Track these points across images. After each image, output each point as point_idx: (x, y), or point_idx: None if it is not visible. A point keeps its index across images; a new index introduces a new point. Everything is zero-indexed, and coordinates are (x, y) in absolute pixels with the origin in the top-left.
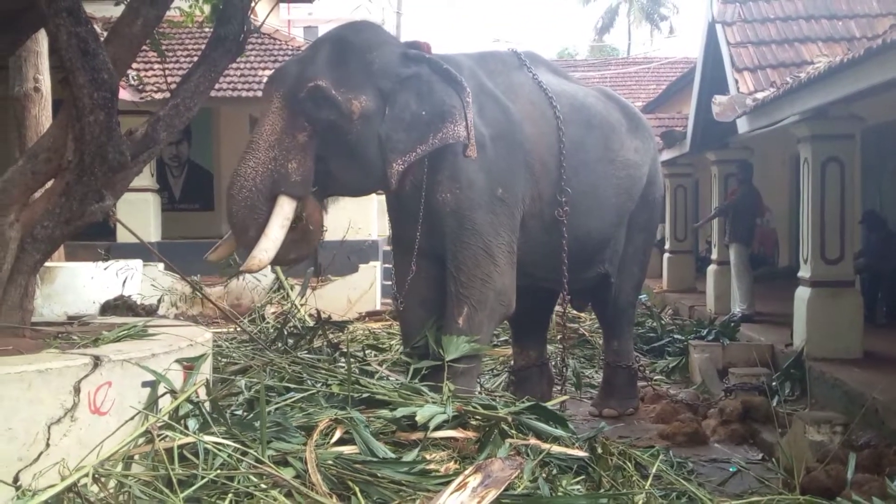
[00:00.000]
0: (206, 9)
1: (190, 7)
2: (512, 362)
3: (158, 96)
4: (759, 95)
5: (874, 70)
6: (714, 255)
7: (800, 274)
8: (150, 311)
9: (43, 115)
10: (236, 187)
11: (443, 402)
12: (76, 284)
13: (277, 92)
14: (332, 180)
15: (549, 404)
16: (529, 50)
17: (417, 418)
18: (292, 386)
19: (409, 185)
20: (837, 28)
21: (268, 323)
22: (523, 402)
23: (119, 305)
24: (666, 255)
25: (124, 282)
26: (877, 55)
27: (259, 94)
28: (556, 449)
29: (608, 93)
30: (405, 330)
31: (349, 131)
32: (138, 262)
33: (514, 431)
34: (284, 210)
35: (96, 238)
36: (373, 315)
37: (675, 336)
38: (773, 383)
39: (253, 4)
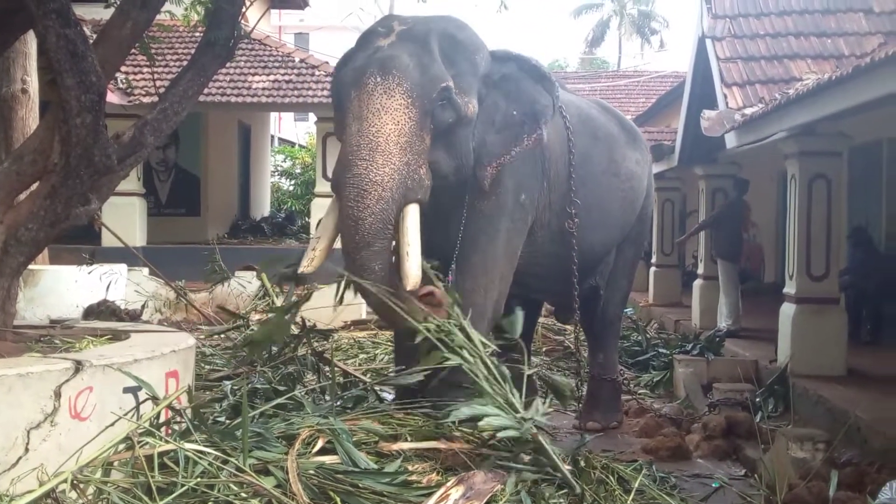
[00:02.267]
0: (201, 12)
1: (185, 10)
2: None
3: (147, 100)
4: (748, 111)
5: (862, 88)
6: (700, 270)
7: (785, 290)
8: (134, 316)
9: (30, 117)
10: (373, 196)
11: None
12: (59, 288)
13: (400, 87)
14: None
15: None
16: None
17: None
18: (280, 389)
19: (455, 194)
20: (826, 45)
21: (252, 330)
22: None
23: (103, 310)
24: (652, 269)
25: (108, 286)
26: (865, 73)
27: (250, 99)
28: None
29: (605, 105)
30: (400, 341)
31: (455, 133)
32: (123, 267)
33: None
34: (417, 220)
35: (81, 241)
36: (358, 324)
37: (660, 350)
38: (757, 399)
39: (244, 10)
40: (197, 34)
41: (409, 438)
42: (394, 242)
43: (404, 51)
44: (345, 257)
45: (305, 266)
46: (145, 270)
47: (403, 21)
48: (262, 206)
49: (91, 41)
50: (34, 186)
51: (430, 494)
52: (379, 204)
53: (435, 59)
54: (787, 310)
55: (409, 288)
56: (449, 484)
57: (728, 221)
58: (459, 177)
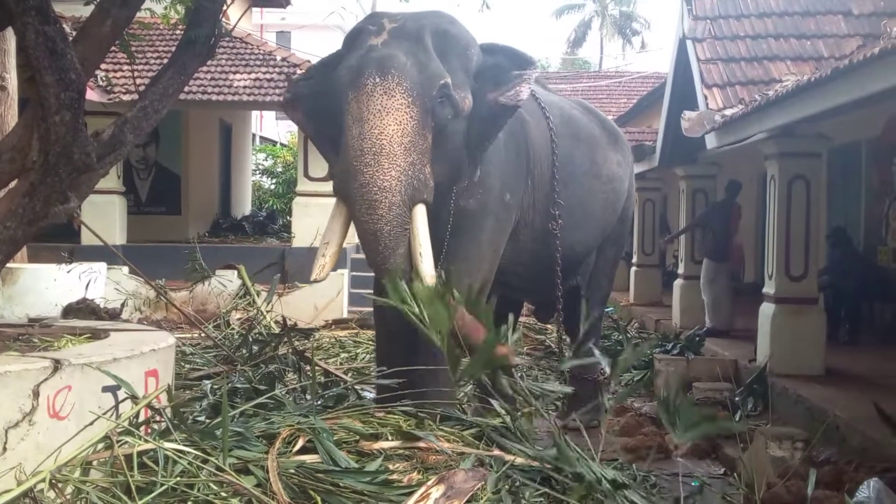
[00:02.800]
0: (181, 10)
1: (165, 9)
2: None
3: (126, 97)
4: (728, 112)
5: (841, 90)
6: (681, 270)
7: (764, 290)
8: (114, 315)
9: (9, 114)
10: (384, 204)
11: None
12: (38, 286)
13: (400, 86)
14: None
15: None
16: None
17: None
18: (261, 389)
19: (441, 192)
20: (806, 47)
21: (233, 329)
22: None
23: (82, 308)
24: (633, 269)
25: (87, 285)
26: (844, 75)
27: (231, 98)
28: (519, 460)
29: (587, 106)
30: (381, 341)
31: (453, 130)
32: (102, 266)
33: (477, 442)
34: (425, 219)
35: (60, 240)
36: (339, 323)
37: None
38: (737, 398)
39: (225, 8)
40: (177, 32)
41: (390, 437)
42: None
43: (400, 49)
44: (373, 268)
45: (317, 273)
46: (125, 269)
47: (393, 18)
48: (244, 205)
49: (70, 38)
50: (12, 184)
51: (410, 493)
52: (392, 211)
53: (432, 56)
54: (767, 309)
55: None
56: (430, 483)
57: (716, 222)
58: (454, 173)
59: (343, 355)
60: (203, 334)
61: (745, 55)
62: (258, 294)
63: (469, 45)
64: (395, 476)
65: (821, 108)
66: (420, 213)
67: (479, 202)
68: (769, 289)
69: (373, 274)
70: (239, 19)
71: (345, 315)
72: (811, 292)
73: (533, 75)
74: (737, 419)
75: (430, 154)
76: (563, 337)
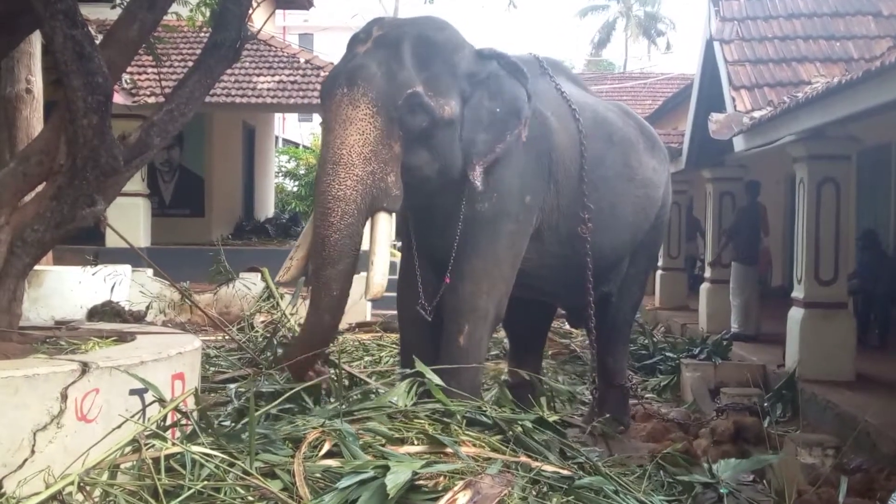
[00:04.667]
0: (206, 13)
1: (191, 11)
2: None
3: (151, 100)
4: (756, 114)
5: (871, 92)
6: (707, 274)
7: (793, 294)
8: (138, 317)
9: (34, 117)
10: (337, 213)
11: None
12: (63, 288)
13: (365, 97)
14: (407, 187)
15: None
16: (551, 57)
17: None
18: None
19: (451, 195)
20: (835, 49)
21: (257, 332)
22: (527, 416)
23: (107, 311)
24: (659, 273)
25: (112, 287)
26: (875, 77)
27: (254, 100)
28: (547, 467)
29: (626, 109)
30: (406, 344)
31: (434, 136)
32: (127, 268)
33: (505, 447)
34: (386, 229)
35: (85, 242)
36: (363, 326)
37: (667, 354)
38: (765, 404)
39: (250, 12)
40: (202, 34)
41: (415, 441)
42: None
43: (374, 59)
44: (311, 273)
45: (281, 275)
46: (149, 271)
47: (383, 26)
48: (266, 208)
49: (97, 42)
50: (40, 188)
51: (437, 499)
52: (343, 220)
53: (403, 66)
54: (796, 314)
55: (368, 297)
56: (456, 488)
57: (746, 226)
58: (446, 178)
59: (367, 358)
60: (227, 337)
61: (773, 57)
62: (282, 297)
63: (455, 50)
64: (421, 481)
65: (851, 111)
66: (380, 222)
67: (496, 205)
68: (798, 293)
69: (396, 277)
70: (265, 23)
71: (368, 318)
72: (841, 297)
73: (529, 89)
74: (766, 425)
75: (395, 163)
76: (578, 343)
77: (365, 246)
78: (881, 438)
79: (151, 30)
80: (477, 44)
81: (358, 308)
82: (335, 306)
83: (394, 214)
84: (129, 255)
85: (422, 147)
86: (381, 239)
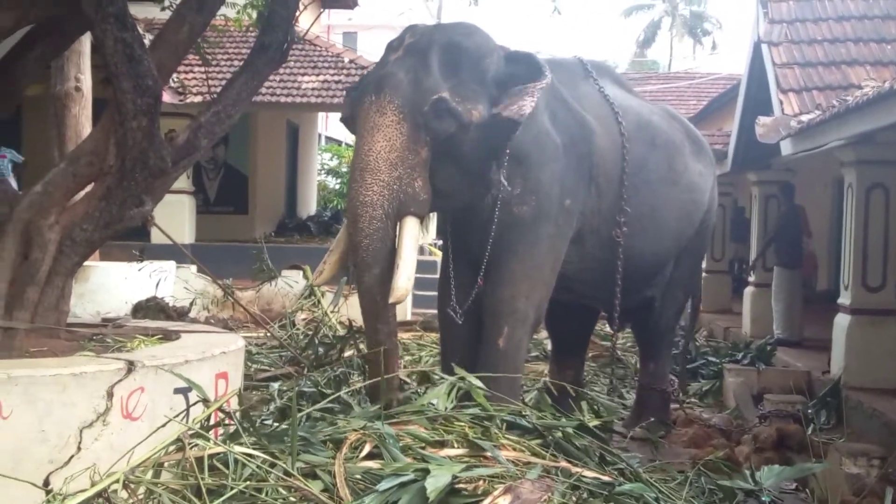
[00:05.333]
0: (254, 14)
1: (238, 13)
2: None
3: (198, 99)
4: (805, 118)
5: None
6: (752, 277)
7: (840, 301)
8: (182, 314)
9: (83, 115)
10: (365, 218)
11: None
12: (109, 284)
13: (391, 104)
14: (437, 191)
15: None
16: (596, 59)
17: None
18: (327, 392)
19: (489, 198)
20: (886, 52)
21: (298, 329)
22: (569, 421)
23: (151, 307)
24: (703, 275)
25: (157, 283)
26: None
27: (299, 99)
28: (587, 473)
29: (672, 112)
30: (446, 344)
31: (463, 142)
32: (171, 264)
33: (545, 452)
34: (414, 232)
35: (131, 238)
36: (403, 325)
37: (710, 358)
38: (809, 411)
39: (298, 14)
40: (249, 35)
41: (455, 445)
42: None
43: (402, 67)
44: (356, 283)
45: (315, 278)
46: (193, 268)
47: (415, 32)
48: (309, 205)
49: (146, 44)
50: (89, 188)
51: (477, 503)
52: (372, 225)
53: (430, 72)
54: (842, 321)
55: (391, 300)
56: (496, 493)
57: (788, 230)
58: (477, 182)
59: (407, 358)
60: (269, 334)
61: (822, 59)
62: (323, 295)
63: (484, 55)
64: (461, 485)
65: None
66: (408, 226)
67: (535, 208)
68: (845, 300)
69: (437, 276)
70: (311, 25)
71: (408, 317)
72: (889, 303)
73: (540, 86)
74: (810, 433)
75: (422, 168)
76: (619, 346)
77: None
78: None
79: (200, 32)
80: (520, 45)
81: (399, 307)
82: (383, 313)
83: (431, 216)
84: (173, 252)
85: (452, 153)
86: (408, 243)
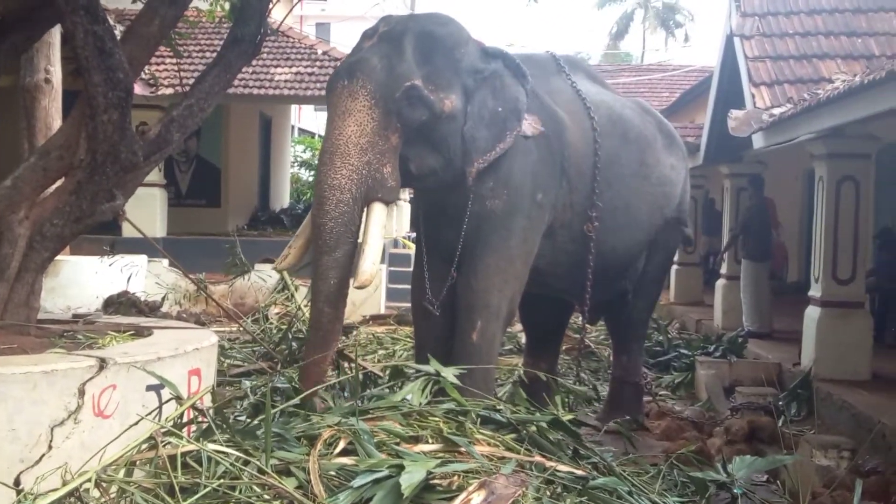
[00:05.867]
0: (226, 6)
1: (211, 5)
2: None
3: (169, 91)
4: (776, 111)
5: (894, 93)
6: (723, 270)
7: (810, 293)
8: (154, 308)
9: (53, 107)
10: (332, 201)
11: None
12: (80, 279)
13: (364, 88)
14: (407, 176)
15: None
16: (569, 54)
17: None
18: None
19: (463, 192)
20: (857, 45)
21: (271, 324)
22: (543, 415)
23: (123, 301)
24: (674, 268)
25: (129, 278)
26: None
27: (272, 91)
28: (561, 467)
29: (645, 106)
30: (420, 337)
31: (435, 130)
32: (143, 259)
33: (519, 447)
34: (381, 217)
35: (102, 232)
36: (377, 318)
37: (682, 351)
38: (780, 403)
39: (271, 6)
40: (222, 27)
41: (430, 440)
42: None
43: (376, 53)
44: (312, 263)
45: (279, 263)
46: (165, 262)
47: (390, 22)
48: (282, 198)
49: (118, 36)
50: (59, 182)
51: (451, 498)
52: (338, 208)
53: (403, 59)
54: (812, 313)
55: (356, 284)
56: (471, 488)
57: (756, 223)
58: (449, 173)
59: (381, 352)
60: (242, 329)
61: (793, 53)
62: (297, 289)
63: (458, 45)
64: (436, 480)
65: (872, 111)
66: (375, 211)
67: (507, 202)
68: (815, 292)
69: (411, 269)
70: (285, 18)
71: (382, 311)
72: (858, 296)
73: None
74: (781, 425)
75: (392, 154)
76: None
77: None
78: None
79: (172, 25)
80: (493, 38)
81: (372, 300)
82: (334, 296)
83: (398, 206)
84: (145, 246)
85: (423, 140)
86: (374, 229)
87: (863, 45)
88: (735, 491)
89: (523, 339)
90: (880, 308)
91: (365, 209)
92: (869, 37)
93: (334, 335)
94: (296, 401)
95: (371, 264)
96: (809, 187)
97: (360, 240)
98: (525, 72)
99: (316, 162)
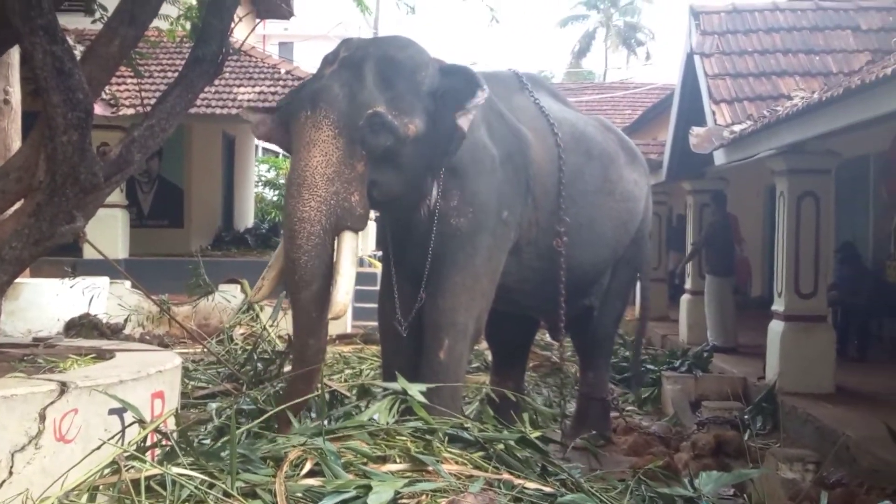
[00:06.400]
0: (187, 26)
1: (171, 24)
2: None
3: (130, 111)
4: (737, 128)
5: (852, 109)
6: (688, 285)
7: (773, 307)
8: (116, 330)
9: (12, 128)
10: (303, 235)
11: None
12: (40, 301)
13: (327, 118)
14: (373, 201)
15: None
16: (531, 72)
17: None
18: (266, 410)
19: (425, 210)
20: (814, 62)
21: (236, 345)
22: (511, 433)
23: (84, 324)
24: (638, 283)
25: (90, 300)
26: (855, 94)
27: (234, 111)
28: (529, 485)
29: (606, 123)
30: (387, 356)
31: (400, 154)
32: (105, 280)
33: (487, 464)
34: (352, 247)
35: (63, 254)
36: (344, 338)
37: (648, 366)
38: (746, 417)
39: (233, 26)
40: (183, 47)
41: (397, 459)
42: None
43: (337, 80)
44: (289, 299)
45: (253, 295)
46: (127, 283)
47: (349, 46)
48: (246, 218)
49: (77, 56)
50: (19, 204)
51: None
52: (310, 241)
53: (365, 86)
54: (776, 327)
55: (331, 316)
56: None
57: (719, 239)
58: (415, 195)
59: (347, 371)
60: (206, 350)
61: (753, 70)
62: (262, 309)
63: (418, 68)
64: (404, 500)
65: (831, 127)
66: (345, 241)
67: (472, 220)
68: (778, 306)
69: (377, 288)
70: (247, 37)
71: (349, 330)
72: (821, 310)
73: (478, 102)
74: (747, 438)
75: (359, 182)
76: (566, 355)
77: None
78: (860, 452)
79: (133, 45)
80: (456, 57)
81: (339, 320)
82: (317, 329)
83: (370, 227)
84: (107, 267)
85: (389, 166)
86: (346, 258)
87: (820, 62)
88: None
89: (490, 357)
90: (842, 322)
91: (336, 238)
92: (826, 54)
93: (318, 364)
94: (261, 420)
95: (345, 294)
96: (771, 203)
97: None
98: (478, 80)
99: (281, 181)
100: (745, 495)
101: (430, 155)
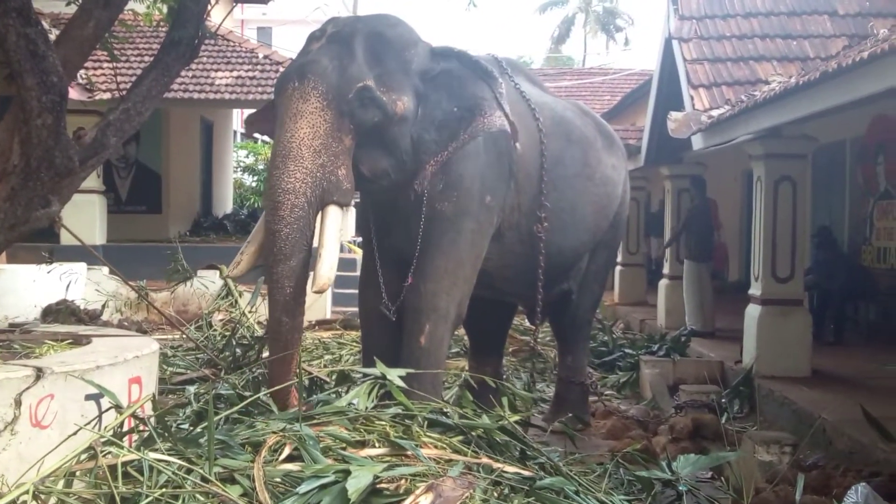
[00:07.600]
0: (164, 9)
1: (147, 7)
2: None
3: (107, 96)
4: (715, 113)
5: (828, 93)
6: (665, 270)
7: (750, 291)
8: (94, 317)
9: None
10: (286, 206)
11: None
12: (17, 287)
13: (315, 90)
14: (360, 178)
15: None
16: (509, 57)
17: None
18: (245, 395)
19: (413, 195)
20: (792, 47)
21: (215, 331)
22: (490, 419)
23: (61, 310)
24: (618, 268)
25: (67, 286)
26: (831, 79)
27: (212, 96)
28: (508, 468)
29: (583, 107)
30: (367, 341)
31: (388, 131)
32: (82, 266)
33: (466, 448)
34: (337, 221)
35: (40, 239)
36: (323, 324)
37: (627, 350)
38: (723, 401)
39: (209, 9)
40: (159, 30)
41: (376, 444)
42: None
43: (326, 54)
44: (265, 269)
45: (231, 270)
46: (105, 269)
47: (337, 23)
48: (225, 203)
49: (52, 39)
50: None
51: (399, 502)
52: (293, 213)
53: (354, 60)
54: (753, 311)
55: (314, 289)
56: (418, 491)
57: (697, 223)
58: (401, 175)
59: (327, 357)
60: (185, 336)
61: (731, 55)
62: (241, 295)
63: (408, 46)
64: (383, 484)
65: (809, 111)
66: (330, 214)
67: (457, 204)
68: (755, 290)
69: (357, 274)
70: (223, 20)
71: (328, 316)
72: (797, 294)
73: (498, 91)
74: (724, 422)
75: (346, 156)
76: (538, 340)
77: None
78: (837, 435)
79: (107, 27)
80: (435, 41)
81: (318, 305)
82: (291, 305)
83: (349, 209)
84: (84, 253)
85: (375, 142)
86: (330, 232)
87: (798, 47)
88: (680, 488)
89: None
90: (819, 306)
91: (320, 213)
92: (804, 39)
93: (294, 344)
94: (240, 407)
95: (329, 269)
96: (748, 188)
97: (315, 244)
98: (488, 68)
99: (260, 167)
100: (722, 478)
101: (416, 136)
